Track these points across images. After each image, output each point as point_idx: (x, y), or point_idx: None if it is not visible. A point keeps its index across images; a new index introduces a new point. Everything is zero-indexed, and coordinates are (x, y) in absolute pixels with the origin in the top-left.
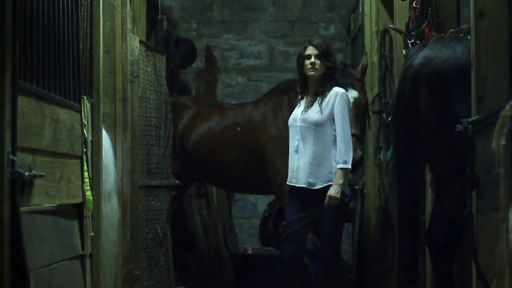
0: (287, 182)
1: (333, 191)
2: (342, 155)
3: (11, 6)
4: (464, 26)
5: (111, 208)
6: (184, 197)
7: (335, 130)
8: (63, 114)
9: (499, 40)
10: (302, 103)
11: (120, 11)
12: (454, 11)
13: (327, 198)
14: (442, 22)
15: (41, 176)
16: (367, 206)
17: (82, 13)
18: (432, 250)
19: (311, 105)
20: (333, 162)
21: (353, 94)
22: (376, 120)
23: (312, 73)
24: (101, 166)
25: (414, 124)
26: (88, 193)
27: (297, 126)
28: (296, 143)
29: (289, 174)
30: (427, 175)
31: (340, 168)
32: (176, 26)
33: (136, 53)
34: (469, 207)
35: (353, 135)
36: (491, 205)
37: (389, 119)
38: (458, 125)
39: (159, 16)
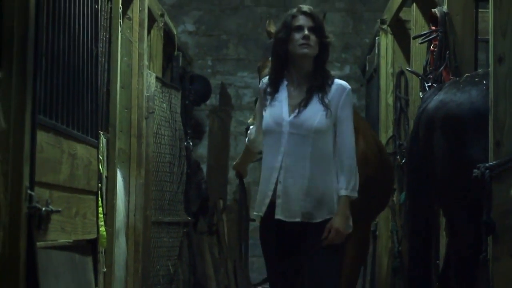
0: (256, 213)
1: (341, 224)
2: (349, 178)
3: (33, 41)
4: (480, 70)
5: (119, 247)
6: (195, 234)
7: (335, 140)
8: (81, 149)
9: None
10: (283, 99)
11: (137, 47)
12: (472, 55)
13: (332, 232)
14: (460, 66)
15: (58, 211)
16: (379, 249)
17: (101, 49)
18: None
19: (306, 103)
20: (334, 184)
21: None
22: (391, 162)
23: (306, 50)
24: (115, 202)
25: (428, 167)
26: (102, 228)
27: (283, 133)
28: (281, 156)
29: (261, 201)
30: (441, 218)
31: (347, 196)
32: (192, 63)
33: (152, 89)
34: (485, 253)
35: None
36: (507, 251)
37: (403, 161)
38: (475, 170)
39: (175, 53)
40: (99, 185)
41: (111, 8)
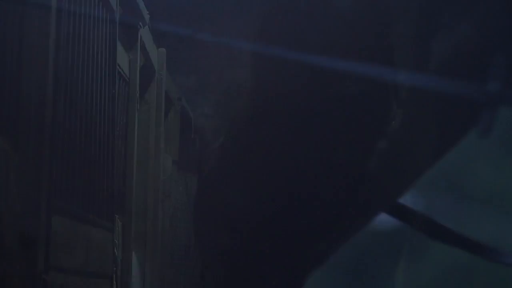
0: None
1: None
2: None
3: (50, 127)
4: None
5: None
6: None
7: None
8: (96, 233)
9: None
10: None
11: (154, 130)
12: None
13: None
14: None
15: None
16: None
17: (117, 132)
18: None
19: None
20: None
21: None
22: None
23: None
24: (130, 285)
25: None
26: None
27: None
28: None
29: None
30: None
31: None
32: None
33: (168, 172)
34: None
35: None
36: None
37: None
38: None
39: (193, 136)
40: (114, 268)
41: (128, 92)
